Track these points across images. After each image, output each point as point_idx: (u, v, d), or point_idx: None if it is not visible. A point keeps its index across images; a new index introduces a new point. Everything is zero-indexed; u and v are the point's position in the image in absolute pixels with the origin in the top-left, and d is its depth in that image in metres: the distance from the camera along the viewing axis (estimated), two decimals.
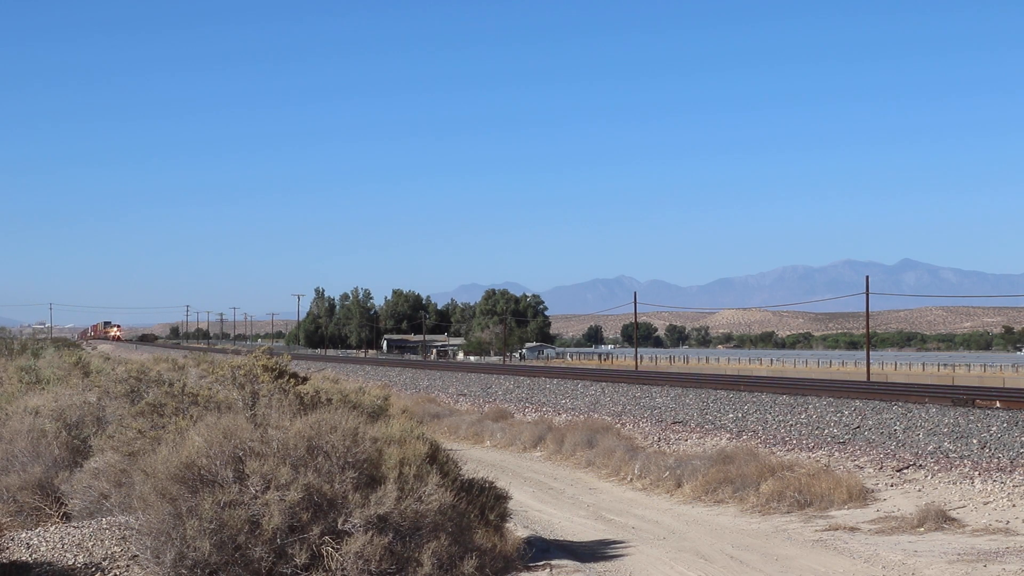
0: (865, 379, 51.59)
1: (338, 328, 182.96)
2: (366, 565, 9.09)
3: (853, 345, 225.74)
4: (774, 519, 16.43)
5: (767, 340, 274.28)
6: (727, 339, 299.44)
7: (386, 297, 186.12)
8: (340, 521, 9.30)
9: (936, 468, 18.48)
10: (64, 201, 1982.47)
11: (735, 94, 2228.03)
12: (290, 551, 9.07)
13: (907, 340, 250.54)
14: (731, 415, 27.55)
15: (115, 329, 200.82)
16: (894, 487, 17.78)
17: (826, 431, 23.62)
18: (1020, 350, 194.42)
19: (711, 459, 20.20)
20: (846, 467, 19.52)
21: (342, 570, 9.07)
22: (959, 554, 12.67)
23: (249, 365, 12.64)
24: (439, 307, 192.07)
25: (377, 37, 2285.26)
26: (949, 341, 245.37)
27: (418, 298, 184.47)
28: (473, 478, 12.00)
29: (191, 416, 11.25)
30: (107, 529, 10.26)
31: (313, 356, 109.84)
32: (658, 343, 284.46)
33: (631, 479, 21.32)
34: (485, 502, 11.58)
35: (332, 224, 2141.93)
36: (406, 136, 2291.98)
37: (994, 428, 21.04)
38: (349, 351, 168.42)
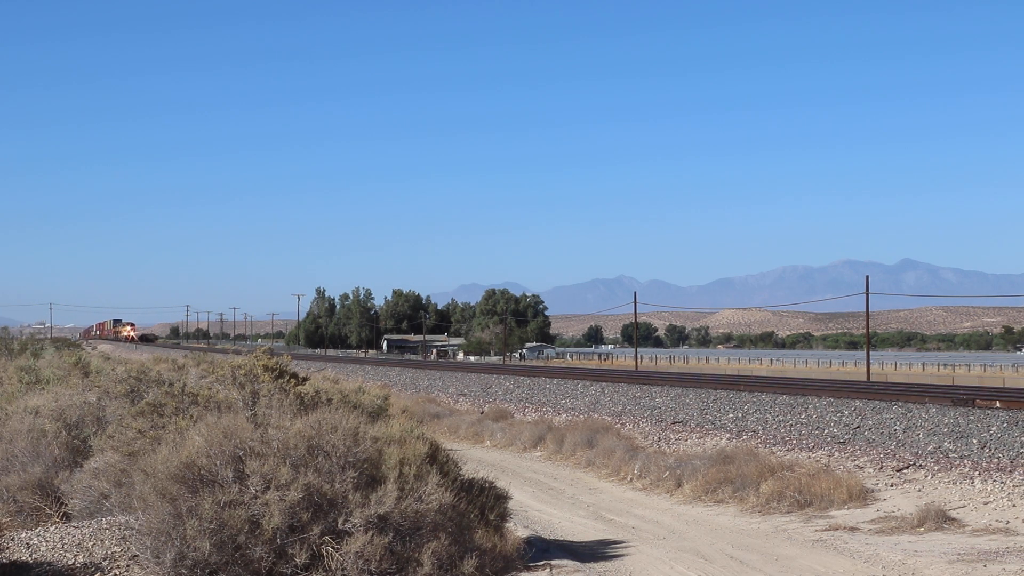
0: (865, 379, 51.58)
1: (338, 328, 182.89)
2: (366, 565, 9.09)
3: (853, 345, 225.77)
4: (774, 519, 16.42)
5: (767, 340, 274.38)
6: (727, 339, 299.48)
7: (386, 297, 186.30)
8: (340, 521, 9.30)
9: (936, 468, 18.47)
10: (64, 201, 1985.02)
11: (735, 94, 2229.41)
12: (290, 551, 9.07)
13: (907, 340, 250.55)
14: (731, 415, 27.54)
15: (128, 328, 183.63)
16: (894, 487, 17.78)
17: (826, 431, 23.61)
18: (1020, 350, 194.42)
19: (711, 459, 20.19)
20: (846, 467, 19.51)
21: (342, 570, 9.07)
22: (959, 554, 12.67)
23: (249, 365, 12.65)
24: (439, 307, 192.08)
25: (377, 37, 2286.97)
26: (949, 341, 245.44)
27: (418, 298, 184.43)
28: (473, 478, 11.99)
29: (191, 416, 11.25)
30: (107, 529, 10.25)
31: (313, 356, 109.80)
32: (658, 343, 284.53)
33: (631, 479, 21.31)
34: (485, 502, 11.57)
35: (332, 224, 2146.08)
36: (406, 136, 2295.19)
37: (994, 428, 21.04)
38: (349, 351, 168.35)
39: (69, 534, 10.21)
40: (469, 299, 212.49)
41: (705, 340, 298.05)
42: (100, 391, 14.88)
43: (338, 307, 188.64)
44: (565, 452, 25.19)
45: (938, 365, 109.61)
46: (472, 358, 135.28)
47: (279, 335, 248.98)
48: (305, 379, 13.47)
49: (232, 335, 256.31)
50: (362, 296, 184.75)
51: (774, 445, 22.54)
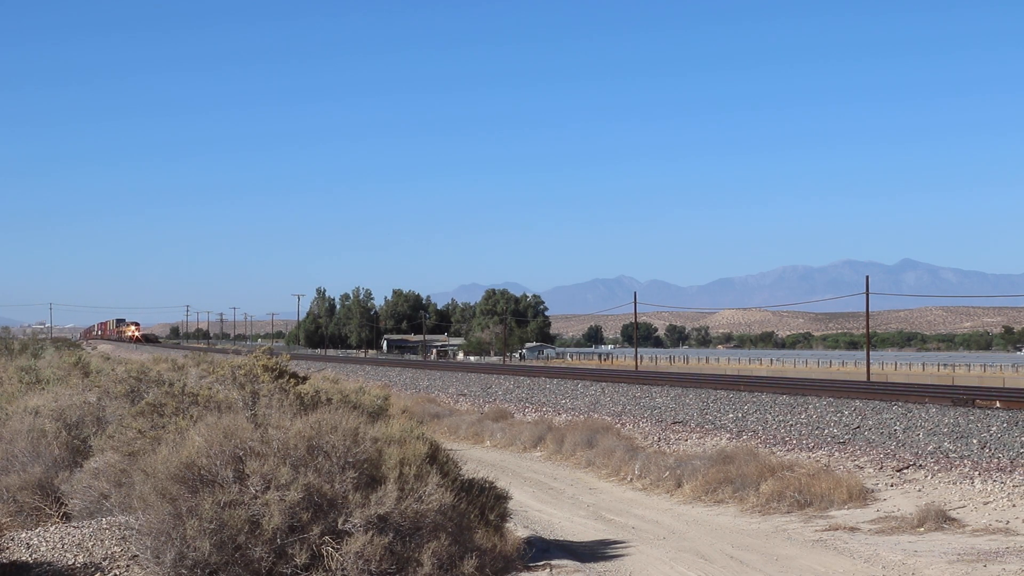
0: (865, 379, 51.58)
1: (338, 328, 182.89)
2: (366, 565, 9.09)
3: (853, 345, 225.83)
4: (774, 519, 16.43)
5: (767, 340, 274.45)
6: (727, 339, 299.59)
7: (386, 297, 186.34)
8: (340, 521, 9.30)
9: (936, 468, 18.48)
10: (64, 201, 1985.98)
11: (735, 94, 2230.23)
12: (290, 551, 9.07)
13: (907, 340, 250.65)
14: (731, 415, 27.54)
15: (132, 328, 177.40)
16: (894, 487, 17.78)
17: (826, 431, 23.61)
18: (1020, 350, 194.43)
19: (711, 459, 20.19)
20: (846, 467, 19.51)
21: (342, 570, 9.07)
22: (959, 554, 12.67)
23: (249, 365, 12.65)
24: (439, 307, 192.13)
25: (376, 37, 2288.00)
26: (949, 341, 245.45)
27: (418, 298, 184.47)
28: (473, 478, 11.99)
29: (191, 416, 11.25)
30: (107, 529, 10.25)
31: (313, 356, 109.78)
32: (658, 343, 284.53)
33: (631, 479, 21.31)
34: (485, 502, 11.56)
35: (332, 224, 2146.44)
36: (406, 136, 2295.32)
37: (994, 428, 21.04)
38: (349, 351, 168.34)
39: (69, 534, 10.21)
40: (469, 299, 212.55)
41: (705, 340, 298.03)
42: (100, 391, 14.88)
43: (338, 307, 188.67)
44: (565, 452, 25.19)
45: (938, 365, 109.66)
46: (472, 358, 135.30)
47: (279, 335, 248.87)
48: (305, 379, 13.47)
49: (232, 335, 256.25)
50: (362, 296, 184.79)
51: (774, 445, 22.54)
